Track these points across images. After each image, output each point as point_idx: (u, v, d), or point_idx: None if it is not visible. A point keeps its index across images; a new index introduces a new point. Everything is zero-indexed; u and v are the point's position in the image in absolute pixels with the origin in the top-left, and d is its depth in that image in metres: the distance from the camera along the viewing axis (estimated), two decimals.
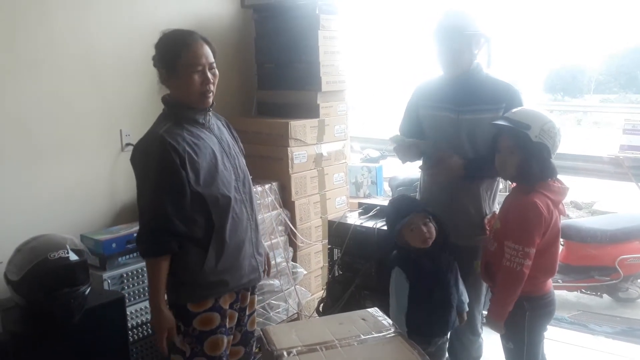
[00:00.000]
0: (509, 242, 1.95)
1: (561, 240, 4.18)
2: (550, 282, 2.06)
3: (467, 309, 2.21)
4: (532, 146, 1.90)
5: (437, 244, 2.10)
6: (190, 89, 1.75)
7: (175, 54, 1.73)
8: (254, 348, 2.12)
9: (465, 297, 2.19)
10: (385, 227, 2.52)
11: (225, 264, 1.83)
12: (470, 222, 2.26)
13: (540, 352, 2.07)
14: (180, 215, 1.73)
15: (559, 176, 2.03)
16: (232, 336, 1.96)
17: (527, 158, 1.93)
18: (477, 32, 2.14)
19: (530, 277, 1.94)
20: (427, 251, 2.09)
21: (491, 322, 2.04)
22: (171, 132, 1.73)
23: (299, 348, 1.63)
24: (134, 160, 1.79)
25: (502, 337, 2.10)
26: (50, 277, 2.00)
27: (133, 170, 1.80)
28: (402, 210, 2.13)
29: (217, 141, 1.85)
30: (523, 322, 2.00)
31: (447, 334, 2.16)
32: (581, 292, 4.04)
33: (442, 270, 2.11)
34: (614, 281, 3.84)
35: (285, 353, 1.60)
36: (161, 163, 1.70)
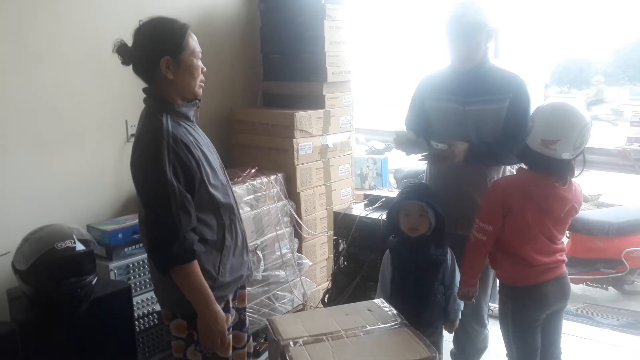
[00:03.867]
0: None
1: (567, 232, 4.20)
2: (537, 275, 2.02)
3: (459, 316, 2.19)
4: None
5: (428, 239, 2.10)
6: (193, 76, 1.68)
7: (180, 39, 1.64)
8: (251, 347, 2.10)
9: (459, 304, 2.17)
10: None
11: (238, 260, 1.82)
12: (477, 213, 2.25)
13: (533, 343, 2.06)
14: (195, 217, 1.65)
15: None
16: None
17: None
18: (489, 27, 2.12)
19: (498, 262, 2.08)
20: (414, 241, 2.10)
21: (459, 287, 2.14)
22: (177, 130, 1.64)
23: (305, 338, 1.63)
24: (140, 160, 1.63)
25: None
26: (57, 266, 2.01)
27: (135, 172, 1.65)
28: (401, 195, 2.15)
29: (203, 137, 1.80)
30: (507, 311, 2.09)
31: (422, 329, 1.95)
32: (587, 284, 4.04)
33: (424, 264, 2.10)
34: (620, 274, 3.84)
35: (291, 343, 1.60)
36: (180, 162, 1.59)
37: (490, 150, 2.16)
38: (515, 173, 2.14)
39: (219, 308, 1.68)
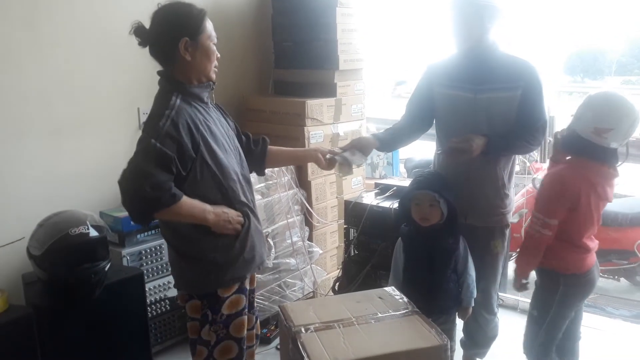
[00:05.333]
0: (534, 211, 2.05)
1: None
2: (589, 261, 2.06)
3: (472, 304, 2.19)
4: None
5: (440, 228, 2.10)
6: (210, 59, 1.72)
7: (199, 22, 1.68)
8: (259, 329, 2.12)
9: (472, 292, 2.16)
10: None
11: (255, 240, 1.85)
12: (487, 203, 2.23)
13: (562, 329, 2.09)
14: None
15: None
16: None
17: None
18: (491, 4, 2.09)
19: (556, 252, 2.01)
20: (426, 230, 2.10)
21: (514, 280, 2.14)
22: (185, 108, 1.67)
23: (317, 325, 1.64)
24: (143, 126, 1.68)
25: (530, 303, 2.18)
26: (71, 252, 2.04)
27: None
28: (412, 184, 2.15)
29: (217, 120, 1.81)
30: (554, 296, 2.06)
31: (433, 317, 1.97)
32: (599, 275, 4.00)
33: (437, 253, 2.10)
34: (632, 265, 3.80)
35: (303, 329, 1.61)
36: (176, 132, 1.61)
37: (507, 143, 2.14)
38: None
39: (211, 208, 1.69)
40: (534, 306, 2.15)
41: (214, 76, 1.77)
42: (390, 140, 2.35)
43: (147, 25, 1.70)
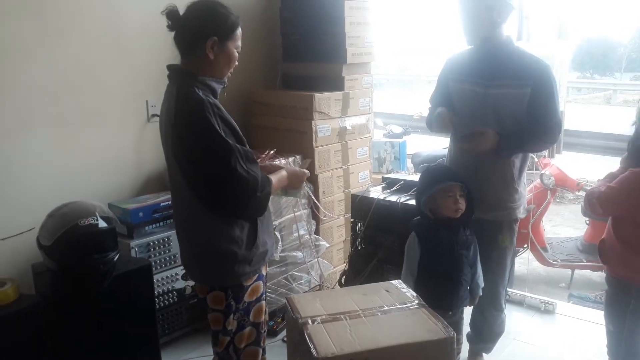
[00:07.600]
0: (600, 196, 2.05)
1: (586, 219, 4.11)
2: None
3: (480, 293, 2.21)
4: None
5: (460, 220, 2.10)
6: (229, 65, 1.76)
7: (232, 28, 1.72)
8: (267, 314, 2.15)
9: (481, 281, 2.19)
10: (409, 202, 2.52)
11: (269, 230, 1.89)
12: (496, 196, 2.24)
13: None
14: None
15: None
16: None
17: None
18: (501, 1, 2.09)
19: (623, 256, 2.00)
20: (447, 223, 2.09)
21: None
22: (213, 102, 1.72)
23: (323, 317, 1.64)
24: (190, 129, 1.65)
25: (604, 317, 2.12)
26: (81, 242, 2.05)
27: (187, 143, 1.67)
28: (438, 177, 2.13)
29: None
30: (627, 308, 2.01)
31: (454, 310, 2.12)
32: (605, 272, 3.99)
33: (457, 245, 2.11)
34: None
35: (309, 321, 1.61)
36: (225, 124, 1.69)
37: (521, 142, 2.15)
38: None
39: (285, 174, 1.93)
40: (608, 320, 2.11)
41: (225, 78, 1.80)
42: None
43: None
